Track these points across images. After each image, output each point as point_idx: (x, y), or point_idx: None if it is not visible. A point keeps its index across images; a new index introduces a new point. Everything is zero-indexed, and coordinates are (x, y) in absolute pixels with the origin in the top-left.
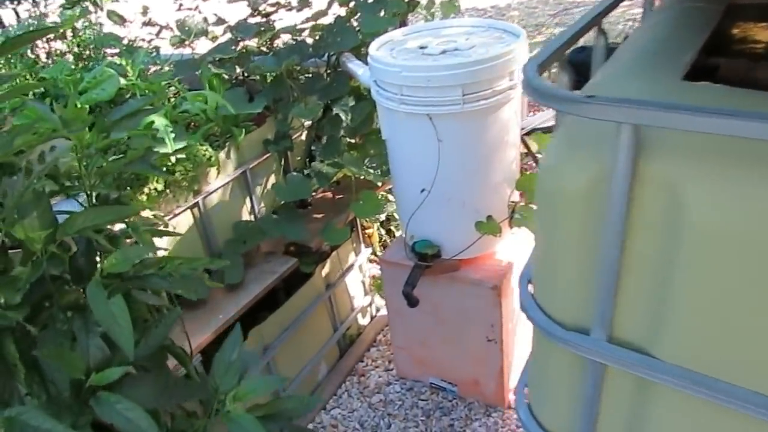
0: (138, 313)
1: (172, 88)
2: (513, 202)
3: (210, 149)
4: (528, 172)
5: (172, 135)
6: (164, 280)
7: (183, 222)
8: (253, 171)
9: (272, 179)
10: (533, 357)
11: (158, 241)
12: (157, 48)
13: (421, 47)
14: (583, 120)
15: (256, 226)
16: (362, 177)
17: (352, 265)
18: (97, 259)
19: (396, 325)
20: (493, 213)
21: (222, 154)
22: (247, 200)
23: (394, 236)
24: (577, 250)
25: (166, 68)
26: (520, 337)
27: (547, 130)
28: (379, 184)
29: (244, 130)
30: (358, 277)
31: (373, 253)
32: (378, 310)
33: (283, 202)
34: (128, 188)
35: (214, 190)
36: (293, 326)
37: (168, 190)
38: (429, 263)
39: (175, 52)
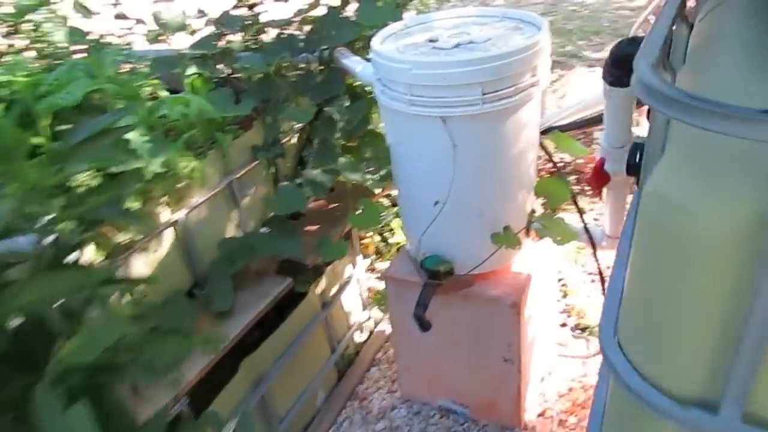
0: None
1: (149, 89)
2: (532, 210)
3: (192, 159)
4: (546, 176)
5: (148, 145)
6: (146, 372)
7: (163, 243)
8: (240, 181)
9: (261, 189)
10: (612, 428)
11: (136, 267)
12: (130, 44)
13: (431, 40)
14: (722, 139)
15: (245, 243)
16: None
17: (349, 279)
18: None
19: (401, 344)
20: (510, 223)
21: (206, 164)
22: (234, 214)
23: (387, 242)
24: (712, 307)
25: (142, 67)
26: (536, 355)
27: (565, 129)
28: (377, 190)
29: (229, 135)
30: (355, 291)
31: (371, 264)
32: (376, 324)
33: (272, 214)
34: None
35: (197, 205)
36: (289, 352)
37: (145, 208)
38: (441, 281)
39: (151, 48)
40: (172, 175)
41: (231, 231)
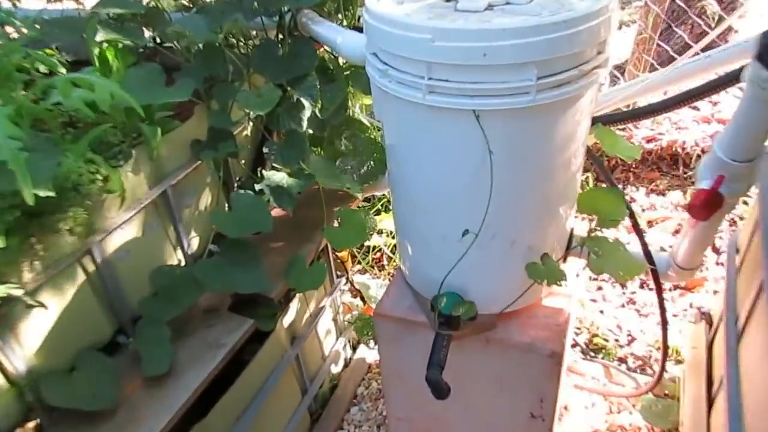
0: None
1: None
2: (571, 231)
3: (104, 166)
4: (589, 187)
5: (22, 154)
6: None
7: (67, 283)
8: (177, 189)
9: (206, 198)
10: None
11: (24, 327)
12: (15, 3)
13: (449, 0)
14: None
15: (187, 274)
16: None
17: (323, 306)
18: None
19: (393, 389)
20: (549, 249)
21: (127, 171)
22: (171, 233)
23: (363, 245)
24: None
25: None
26: (561, 405)
27: (609, 121)
28: (359, 195)
29: (159, 128)
30: (329, 314)
31: (348, 280)
32: (354, 349)
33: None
34: None
35: (118, 227)
36: (251, 408)
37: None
38: (460, 330)
39: (48, 6)
40: (73, 194)
41: (168, 257)
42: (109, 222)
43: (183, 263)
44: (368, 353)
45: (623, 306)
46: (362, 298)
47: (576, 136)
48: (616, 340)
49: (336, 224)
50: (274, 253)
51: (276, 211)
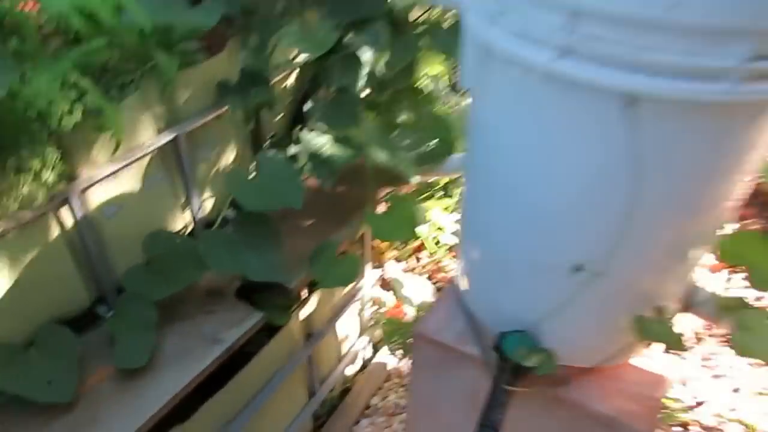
0: None
1: None
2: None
3: (96, 95)
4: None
5: None
6: None
7: (34, 240)
8: (192, 138)
9: (227, 155)
10: None
11: None
12: None
13: None
14: None
15: (190, 246)
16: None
17: (351, 299)
18: None
19: (420, 425)
20: (667, 300)
21: (130, 107)
22: (179, 190)
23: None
24: None
25: None
26: None
27: None
28: (413, 179)
29: (179, 60)
30: (354, 309)
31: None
32: (375, 351)
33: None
34: None
35: (110, 175)
36: (245, 412)
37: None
38: (526, 384)
39: None
40: (37, 126)
41: (170, 220)
42: (99, 169)
43: (189, 230)
44: (390, 358)
45: (695, 362)
46: (394, 292)
47: (760, 157)
48: (680, 401)
49: (381, 211)
50: (299, 233)
51: (309, 182)
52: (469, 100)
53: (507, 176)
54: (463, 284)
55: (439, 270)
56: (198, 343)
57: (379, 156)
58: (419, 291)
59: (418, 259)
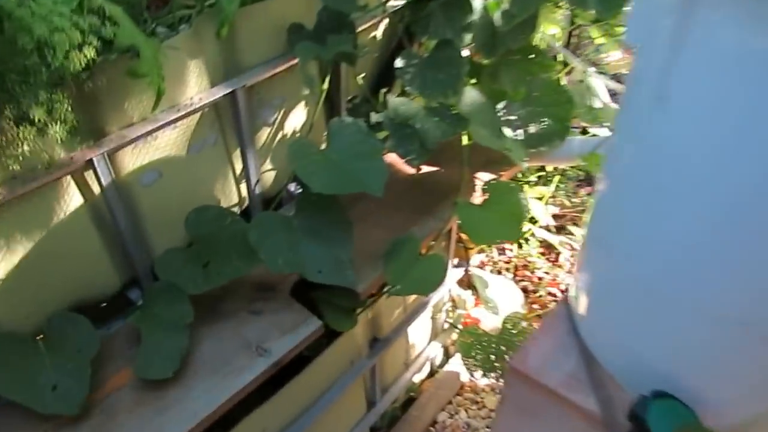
0: None
1: None
2: None
3: (128, 24)
4: None
5: None
6: None
7: (47, 210)
8: (254, 94)
9: (295, 117)
10: None
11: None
12: None
13: None
14: None
15: (239, 231)
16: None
17: (425, 303)
18: None
19: None
20: None
21: (175, 49)
22: (235, 157)
23: None
24: None
25: None
26: None
27: None
28: (522, 164)
29: None
30: (428, 311)
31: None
32: (447, 358)
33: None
34: None
35: (146, 134)
36: (295, 427)
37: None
38: None
39: None
40: (35, 64)
41: (222, 193)
42: (133, 126)
43: (244, 206)
44: (462, 368)
45: None
46: (475, 291)
47: None
48: None
49: (478, 201)
50: (373, 223)
51: (391, 158)
52: (628, 62)
53: (696, 179)
54: (581, 308)
55: (526, 267)
56: (239, 351)
57: (480, 133)
58: (504, 293)
59: (502, 251)
